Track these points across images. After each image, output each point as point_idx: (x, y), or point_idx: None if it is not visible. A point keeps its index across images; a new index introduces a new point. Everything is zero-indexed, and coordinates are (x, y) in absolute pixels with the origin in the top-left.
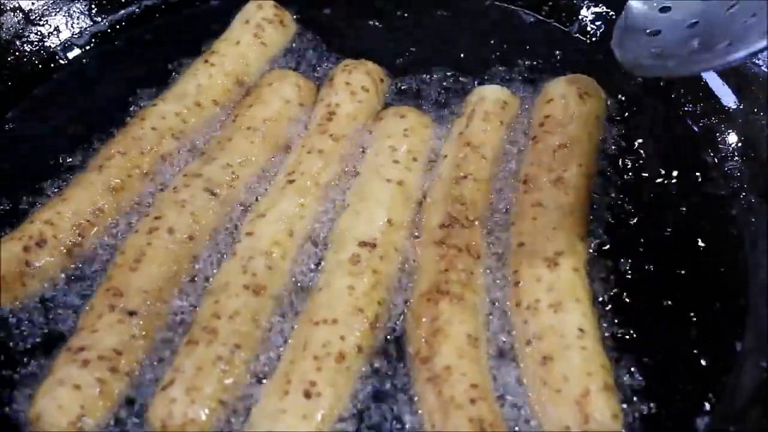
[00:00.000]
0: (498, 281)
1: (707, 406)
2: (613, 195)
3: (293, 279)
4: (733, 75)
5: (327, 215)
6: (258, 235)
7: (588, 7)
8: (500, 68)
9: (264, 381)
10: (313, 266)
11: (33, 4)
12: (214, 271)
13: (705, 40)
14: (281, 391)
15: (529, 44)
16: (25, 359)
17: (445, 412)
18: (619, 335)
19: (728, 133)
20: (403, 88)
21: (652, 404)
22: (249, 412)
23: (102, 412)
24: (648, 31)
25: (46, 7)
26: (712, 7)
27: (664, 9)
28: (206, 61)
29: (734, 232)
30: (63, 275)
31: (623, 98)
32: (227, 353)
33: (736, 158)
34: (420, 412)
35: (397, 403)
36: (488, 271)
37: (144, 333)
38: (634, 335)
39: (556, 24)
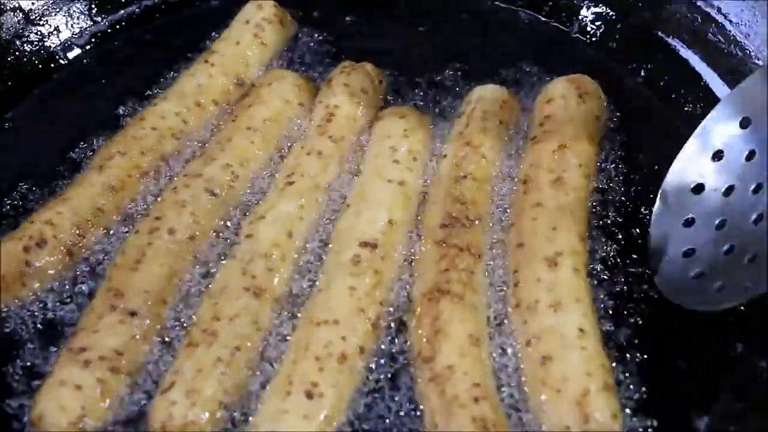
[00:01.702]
0: (498, 281)
1: (707, 406)
2: (613, 195)
3: (293, 281)
4: (732, 75)
5: (327, 217)
6: (257, 237)
7: (588, 7)
8: (500, 68)
9: (265, 383)
10: (313, 268)
11: (33, 4)
12: (215, 271)
13: (736, 246)
14: (283, 392)
15: (529, 44)
16: (26, 360)
17: (447, 411)
18: (619, 335)
19: None
20: (402, 87)
21: (652, 404)
22: (249, 414)
23: (103, 412)
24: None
25: (46, 7)
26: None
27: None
28: (206, 61)
29: None
30: (63, 275)
31: (623, 98)
32: (227, 355)
33: None
34: (423, 411)
35: (400, 403)
36: (488, 271)
37: (145, 333)
38: (634, 335)
39: (556, 24)
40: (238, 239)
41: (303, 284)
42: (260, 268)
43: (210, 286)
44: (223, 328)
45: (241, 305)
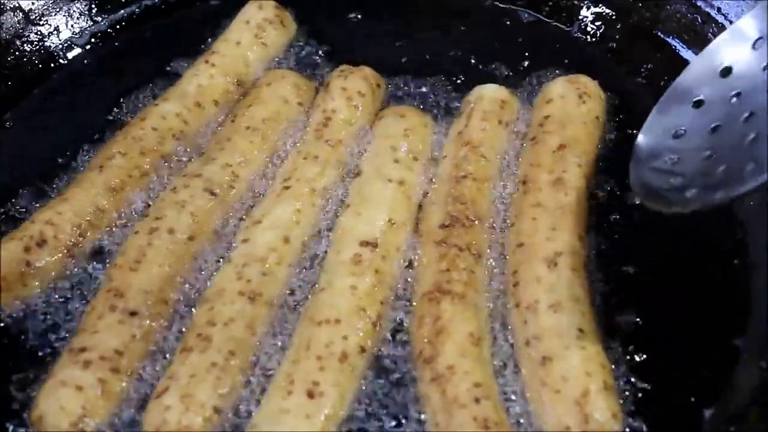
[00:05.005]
0: (498, 281)
1: (707, 406)
2: (612, 195)
3: (289, 285)
4: None
5: (323, 221)
6: (253, 241)
7: (588, 7)
8: (500, 68)
9: (260, 387)
10: (309, 272)
11: (33, 4)
12: (215, 272)
13: (728, 167)
14: (284, 392)
15: (529, 44)
16: (26, 360)
17: (449, 411)
18: (619, 335)
19: None
20: (402, 87)
21: (651, 404)
22: (245, 418)
23: (104, 412)
24: (666, 159)
25: (46, 7)
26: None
27: (678, 136)
28: (206, 62)
29: (734, 232)
30: (63, 275)
31: (623, 98)
32: (222, 360)
33: None
34: (425, 411)
35: (401, 402)
36: (488, 271)
37: (145, 333)
38: (634, 335)
39: (556, 24)
40: (234, 245)
41: (298, 288)
42: (256, 272)
43: (206, 289)
44: (218, 333)
45: (236, 310)
